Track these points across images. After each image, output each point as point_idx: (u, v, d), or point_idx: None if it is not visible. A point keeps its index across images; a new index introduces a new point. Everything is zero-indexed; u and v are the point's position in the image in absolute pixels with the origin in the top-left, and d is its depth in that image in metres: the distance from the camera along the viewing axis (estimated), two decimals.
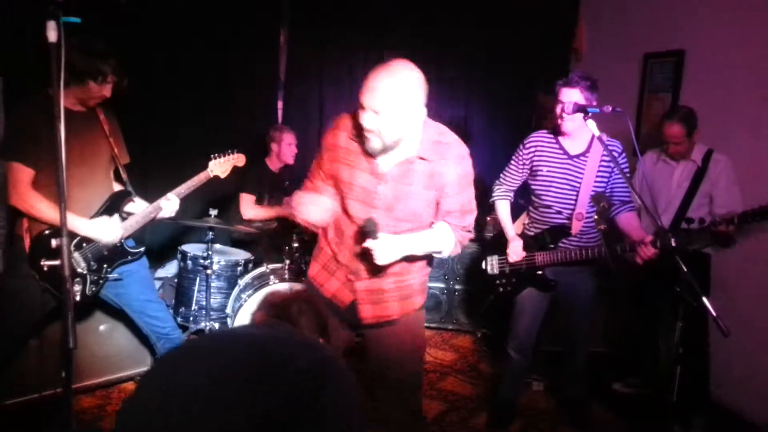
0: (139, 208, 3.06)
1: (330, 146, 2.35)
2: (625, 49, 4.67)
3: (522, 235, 3.31)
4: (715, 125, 3.60)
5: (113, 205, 2.99)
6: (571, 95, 2.96)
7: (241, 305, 3.76)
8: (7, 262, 3.09)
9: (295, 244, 4.05)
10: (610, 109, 2.75)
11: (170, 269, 4.86)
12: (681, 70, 4.18)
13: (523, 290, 3.29)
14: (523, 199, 3.46)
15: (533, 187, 3.24)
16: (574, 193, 3.10)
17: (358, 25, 5.08)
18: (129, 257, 3.06)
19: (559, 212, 3.15)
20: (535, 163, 3.20)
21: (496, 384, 3.59)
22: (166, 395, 1.32)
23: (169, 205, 3.06)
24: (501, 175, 3.38)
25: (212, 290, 4.03)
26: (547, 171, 3.15)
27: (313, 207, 2.27)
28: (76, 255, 2.87)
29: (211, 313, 4.01)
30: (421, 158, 2.24)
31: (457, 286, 4.88)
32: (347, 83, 5.13)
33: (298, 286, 3.38)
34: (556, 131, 3.16)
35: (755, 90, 3.62)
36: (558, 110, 3.04)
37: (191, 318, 4.20)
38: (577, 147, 3.12)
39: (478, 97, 5.34)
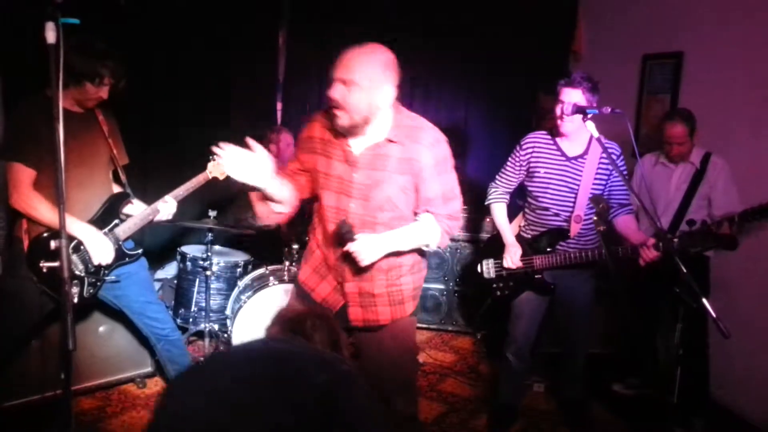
0: (137, 209, 3.06)
1: (307, 138, 2.36)
2: (624, 51, 4.67)
3: (518, 238, 3.27)
4: (715, 126, 3.60)
5: (112, 207, 2.99)
6: (573, 95, 2.94)
7: (240, 306, 3.76)
8: (6, 264, 3.08)
9: (295, 246, 4.05)
10: (610, 110, 2.74)
11: (170, 270, 4.86)
12: (680, 71, 4.18)
13: (521, 294, 3.26)
14: (522, 200, 3.44)
15: (530, 188, 3.21)
16: (572, 195, 3.08)
17: (358, 26, 5.06)
18: (127, 259, 3.06)
19: (557, 215, 3.13)
20: (532, 165, 3.16)
21: (496, 386, 3.57)
22: (181, 414, 1.31)
23: (165, 207, 3.05)
24: (497, 176, 3.35)
25: (212, 291, 4.03)
26: (545, 173, 3.12)
27: (267, 204, 2.27)
28: (75, 257, 2.86)
29: (211, 314, 4.01)
30: (391, 141, 2.22)
31: (457, 288, 4.88)
32: None
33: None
34: (554, 132, 3.14)
35: (754, 91, 3.61)
36: (558, 111, 3.00)
37: (191, 319, 4.20)
38: (575, 148, 3.10)
39: (477, 98, 5.34)
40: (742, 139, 3.66)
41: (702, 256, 3.53)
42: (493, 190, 3.36)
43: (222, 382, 1.33)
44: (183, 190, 3.12)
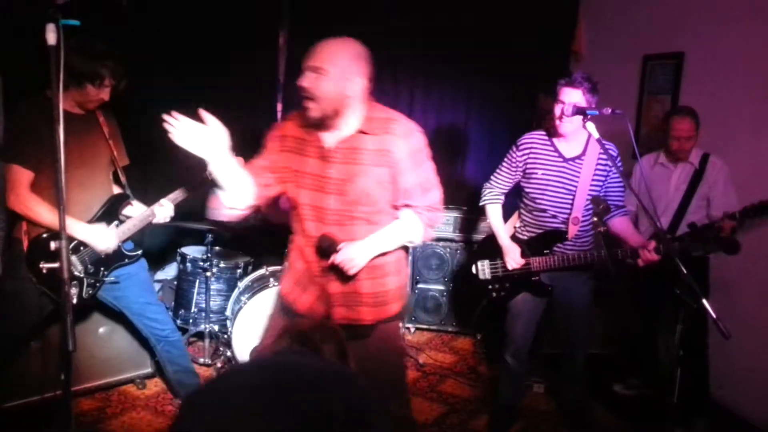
0: (137, 211, 3.06)
1: (280, 136, 2.33)
2: (625, 51, 4.66)
3: (514, 239, 3.24)
4: (715, 127, 3.60)
5: (111, 209, 2.99)
6: (573, 96, 2.91)
7: (240, 308, 3.76)
8: (6, 265, 3.08)
9: None
10: (610, 111, 2.72)
11: (170, 272, 4.86)
12: (680, 72, 4.17)
13: (518, 295, 3.22)
14: (518, 200, 3.41)
15: (527, 190, 3.18)
16: (570, 197, 3.05)
17: (359, 27, 5.05)
18: (126, 260, 3.06)
19: (554, 216, 3.10)
20: (529, 166, 3.13)
21: (496, 386, 3.58)
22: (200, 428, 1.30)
23: (162, 211, 3.05)
24: (492, 177, 3.31)
25: (212, 293, 4.03)
26: (542, 174, 3.08)
27: (220, 197, 2.22)
28: (74, 258, 2.86)
29: (211, 315, 4.01)
30: (364, 132, 2.21)
31: (451, 289, 4.87)
32: None
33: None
34: (550, 132, 3.11)
35: (755, 91, 3.61)
36: (557, 111, 2.97)
37: (191, 320, 4.20)
38: (572, 150, 3.07)
39: (478, 99, 5.33)
40: (742, 139, 3.66)
41: (701, 257, 3.53)
42: (488, 190, 3.32)
43: (237, 397, 1.32)
44: (180, 193, 3.12)
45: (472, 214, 4.75)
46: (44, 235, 2.78)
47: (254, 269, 4.20)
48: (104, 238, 2.90)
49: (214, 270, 4.03)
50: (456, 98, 5.33)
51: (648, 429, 3.55)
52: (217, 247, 4.28)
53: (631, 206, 3.71)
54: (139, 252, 3.13)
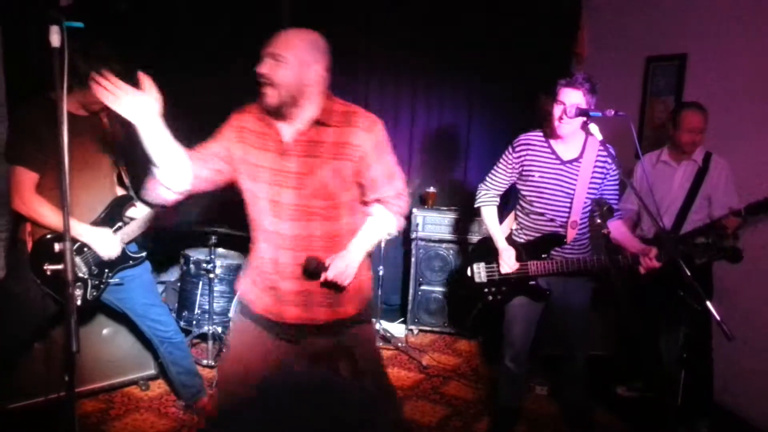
0: (140, 213, 3.07)
1: (237, 127, 2.30)
2: (628, 53, 4.66)
3: (510, 241, 3.18)
4: (718, 128, 3.59)
5: (115, 210, 3.00)
6: (573, 97, 2.85)
7: None
8: (10, 266, 3.09)
9: None
10: (613, 113, 2.71)
11: (173, 273, 4.87)
12: (683, 73, 4.18)
13: (514, 299, 3.18)
14: (517, 203, 3.37)
15: (523, 192, 3.12)
16: (568, 200, 3.00)
17: (360, 29, 5.08)
18: (130, 262, 3.06)
19: (552, 220, 3.04)
20: (525, 168, 3.07)
21: (496, 388, 3.56)
22: None
23: None
24: (487, 177, 3.26)
25: (215, 294, 4.04)
26: (539, 177, 3.03)
27: (158, 177, 2.19)
28: (78, 260, 2.87)
29: (214, 317, 4.02)
30: (322, 123, 2.18)
31: (459, 291, 4.86)
32: (347, 86, 5.14)
33: None
34: (547, 133, 3.06)
35: (758, 93, 3.61)
36: (557, 112, 2.91)
37: (194, 322, 4.20)
38: (569, 152, 3.01)
39: (480, 101, 5.33)
40: (745, 140, 3.66)
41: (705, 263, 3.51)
42: (483, 192, 3.26)
43: (266, 413, 1.33)
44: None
45: (474, 215, 4.75)
46: (48, 237, 2.78)
47: None
48: (108, 244, 2.90)
49: (218, 272, 4.04)
50: (458, 100, 5.34)
51: (650, 431, 3.54)
52: (220, 249, 4.29)
53: (632, 205, 3.70)
54: (143, 254, 3.13)
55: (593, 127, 2.69)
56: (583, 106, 2.85)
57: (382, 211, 2.34)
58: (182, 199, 2.28)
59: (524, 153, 3.07)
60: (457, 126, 5.39)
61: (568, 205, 3.00)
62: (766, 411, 3.49)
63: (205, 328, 4.03)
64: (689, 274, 2.28)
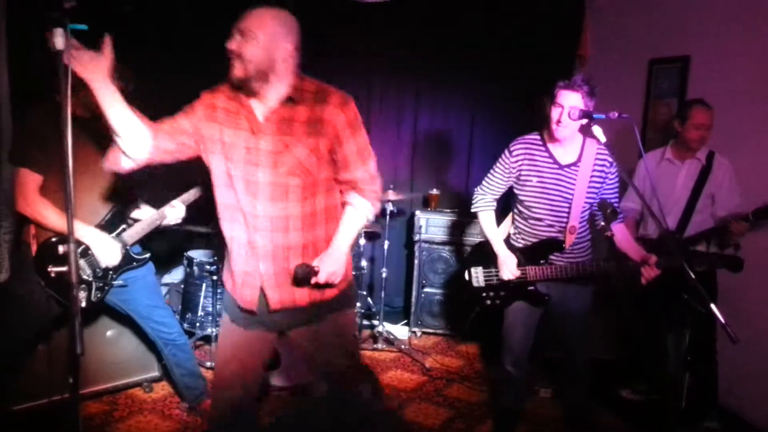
0: (144, 214, 3.07)
1: (208, 105, 2.30)
2: (631, 55, 4.66)
3: (508, 245, 3.13)
4: (721, 130, 3.59)
5: (119, 212, 3.00)
6: (572, 99, 2.79)
7: None
8: (14, 268, 3.10)
9: None
10: (617, 115, 2.68)
11: (177, 275, 4.87)
12: (686, 75, 4.17)
13: (512, 303, 3.12)
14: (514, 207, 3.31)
15: (521, 197, 3.06)
16: (567, 205, 2.94)
17: (363, 33, 5.09)
18: (134, 264, 3.07)
19: (551, 225, 2.99)
20: (523, 173, 3.01)
21: (496, 391, 3.55)
22: None
23: (173, 212, 3.06)
24: (484, 181, 3.19)
25: (218, 296, 4.04)
26: (538, 182, 2.97)
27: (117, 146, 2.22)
28: (82, 262, 2.87)
29: (218, 318, 4.02)
30: (294, 99, 2.18)
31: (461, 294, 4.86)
32: (353, 90, 5.13)
33: None
34: (544, 136, 3.00)
35: (761, 94, 3.60)
36: (555, 115, 2.84)
37: (198, 324, 4.21)
38: (568, 156, 2.95)
39: (483, 104, 5.33)
40: (748, 142, 3.65)
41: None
42: (480, 197, 3.20)
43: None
44: (191, 195, 3.13)
45: (477, 218, 4.74)
46: (53, 239, 2.79)
47: None
48: (109, 251, 2.90)
49: (221, 274, 4.04)
50: (460, 101, 5.34)
51: None
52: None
53: (634, 204, 3.69)
54: (147, 255, 3.14)
55: (597, 130, 2.65)
56: (582, 107, 2.79)
57: (356, 199, 2.33)
58: (139, 169, 2.30)
59: (521, 157, 3.02)
60: (459, 128, 5.39)
61: (567, 210, 2.95)
62: None
63: (209, 330, 4.04)
64: (693, 276, 2.28)
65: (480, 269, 3.20)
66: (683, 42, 4.19)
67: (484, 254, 3.20)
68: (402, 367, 4.33)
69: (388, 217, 4.68)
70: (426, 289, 4.89)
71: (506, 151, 3.08)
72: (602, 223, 2.89)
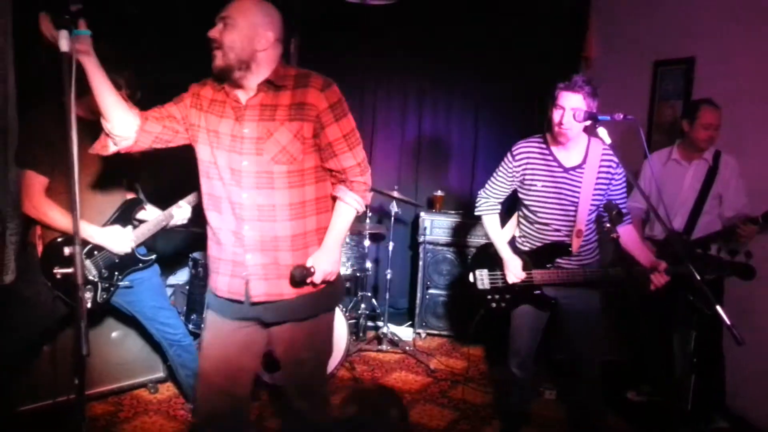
0: (150, 215, 3.08)
1: (194, 94, 2.30)
2: (636, 57, 4.65)
3: (514, 249, 3.08)
4: (726, 131, 3.58)
5: (125, 213, 3.01)
6: (573, 100, 2.72)
7: None
8: (20, 269, 3.11)
9: None
10: (622, 116, 2.64)
11: (182, 276, 4.88)
12: (691, 77, 4.16)
13: (518, 306, 3.08)
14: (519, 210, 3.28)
15: (526, 201, 3.01)
16: (573, 209, 2.88)
17: (368, 36, 5.10)
18: (140, 265, 3.08)
19: (558, 230, 2.94)
20: (527, 177, 2.96)
21: (502, 393, 3.54)
22: None
23: (180, 212, 3.07)
24: (487, 185, 3.14)
25: None
26: (542, 186, 2.91)
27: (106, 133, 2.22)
28: (88, 263, 2.89)
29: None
30: (276, 84, 2.18)
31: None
32: (358, 92, 5.15)
33: None
34: (547, 139, 2.94)
35: (765, 95, 3.59)
36: (557, 117, 2.78)
37: (202, 325, 4.19)
38: (572, 158, 2.89)
39: (487, 106, 5.34)
40: (754, 143, 3.64)
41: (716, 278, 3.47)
42: (484, 200, 3.15)
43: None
44: (197, 195, 3.13)
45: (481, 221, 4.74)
46: (59, 240, 2.80)
47: None
48: (120, 239, 2.92)
49: None
50: (464, 103, 5.35)
51: None
52: None
53: (640, 204, 3.66)
54: (153, 256, 3.15)
55: (602, 131, 2.63)
56: (584, 109, 2.74)
57: (347, 194, 2.30)
58: (124, 152, 2.30)
59: (524, 161, 2.96)
60: (463, 129, 5.39)
61: (573, 213, 2.90)
62: None
63: None
64: (699, 278, 2.27)
65: (485, 272, 3.17)
66: (688, 43, 4.18)
67: (489, 256, 3.17)
68: (406, 368, 4.33)
69: (393, 218, 4.68)
70: (430, 291, 4.89)
71: (509, 155, 3.03)
72: (608, 225, 2.88)
